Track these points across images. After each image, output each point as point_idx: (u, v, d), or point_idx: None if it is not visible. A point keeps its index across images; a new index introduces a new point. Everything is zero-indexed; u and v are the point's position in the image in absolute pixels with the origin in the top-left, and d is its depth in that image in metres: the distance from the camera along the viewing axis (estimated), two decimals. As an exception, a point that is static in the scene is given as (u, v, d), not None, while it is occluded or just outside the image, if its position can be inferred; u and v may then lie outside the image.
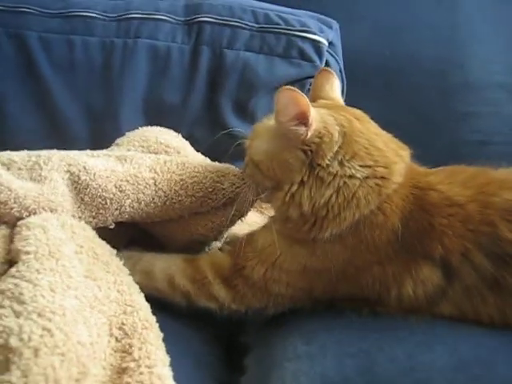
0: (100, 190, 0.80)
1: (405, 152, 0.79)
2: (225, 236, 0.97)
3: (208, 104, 1.21)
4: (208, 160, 1.03)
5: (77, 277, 0.63)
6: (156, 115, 1.20)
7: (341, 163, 0.73)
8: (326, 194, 0.73)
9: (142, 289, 0.76)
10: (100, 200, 0.81)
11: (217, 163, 0.94)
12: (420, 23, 1.47)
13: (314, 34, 1.21)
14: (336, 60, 1.26)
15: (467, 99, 1.43)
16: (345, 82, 1.30)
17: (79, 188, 0.80)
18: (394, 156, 0.76)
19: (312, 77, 1.21)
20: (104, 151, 0.92)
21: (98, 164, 0.83)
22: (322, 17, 1.29)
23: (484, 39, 1.45)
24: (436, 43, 1.45)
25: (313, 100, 0.87)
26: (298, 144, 0.73)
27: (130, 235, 0.93)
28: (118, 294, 0.66)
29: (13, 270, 0.62)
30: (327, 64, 1.23)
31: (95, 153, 0.88)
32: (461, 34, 1.45)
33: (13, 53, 1.18)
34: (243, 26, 1.21)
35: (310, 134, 0.72)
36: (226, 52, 1.20)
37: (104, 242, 0.78)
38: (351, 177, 0.72)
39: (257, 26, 1.21)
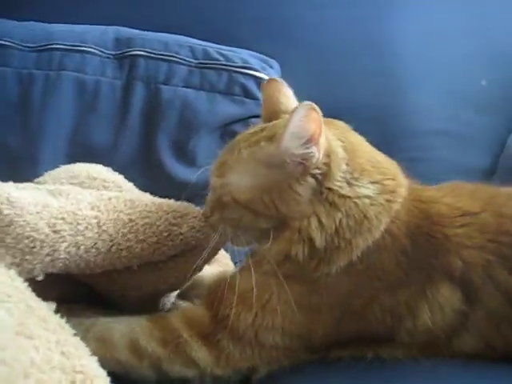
0: (28, 229, 0.63)
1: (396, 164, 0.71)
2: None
3: (143, 145, 1.09)
4: (158, 199, 0.86)
5: (4, 332, 0.46)
6: (82, 157, 1.05)
7: (350, 183, 0.63)
8: (336, 220, 0.62)
9: (99, 362, 0.56)
10: (27, 242, 0.63)
11: (172, 201, 0.79)
12: (355, 70, 1.45)
13: (257, 71, 1.15)
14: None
15: (405, 145, 1.41)
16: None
17: (-1, 226, 0.63)
18: (393, 167, 0.69)
19: (257, 116, 1.13)
20: (32, 184, 0.76)
21: (26, 196, 0.65)
22: (263, 56, 1.23)
23: (421, 87, 1.45)
24: (372, 90, 1.44)
25: (269, 116, 0.75)
26: (309, 169, 0.61)
27: (57, 292, 0.72)
28: (62, 357, 0.48)
29: None
30: (271, 103, 1.15)
31: (20, 185, 0.72)
32: (398, 80, 1.45)
33: None
34: (180, 61, 1.12)
35: (321, 154, 0.61)
36: (162, 88, 1.10)
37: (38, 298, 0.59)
38: (363, 196, 0.63)
39: (195, 61, 1.13)
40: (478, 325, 0.63)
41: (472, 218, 0.65)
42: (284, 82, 0.79)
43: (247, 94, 1.13)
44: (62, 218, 0.65)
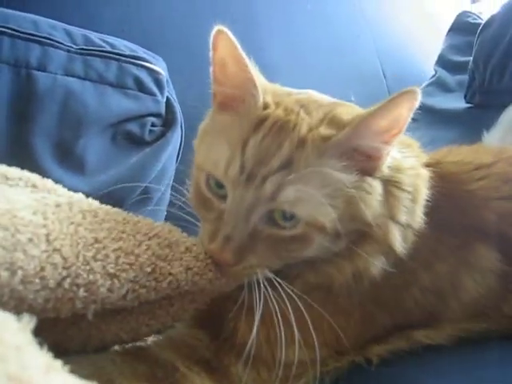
0: None
1: None
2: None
3: (14, 145, 0.83)
4: (128, 214, 0.58)
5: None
6: None
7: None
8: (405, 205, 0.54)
9: None
10: None
11: (149, 220, 0.55)
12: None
13: (149, 62, 0.98)
14: (175, 101, 1.03)
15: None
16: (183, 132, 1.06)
17: None
18: None
19: (155, 114, 0.96)
20: None
21: None
22: (147, 51, 1.06)
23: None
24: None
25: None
26: (382, 165, 0.53)
27: None
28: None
29: None
30: (169, 102, 0.99)
31: None
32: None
33: None
34: (57, 44, 0.89)
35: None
36: (36, 75, 0.85)
37: None
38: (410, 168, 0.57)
39: (75, 46, 0.91)
40: None
41: (487, 169, 0.60)
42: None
43: (142, 87, 0.95)
44: (-11, 221, 0.41)
